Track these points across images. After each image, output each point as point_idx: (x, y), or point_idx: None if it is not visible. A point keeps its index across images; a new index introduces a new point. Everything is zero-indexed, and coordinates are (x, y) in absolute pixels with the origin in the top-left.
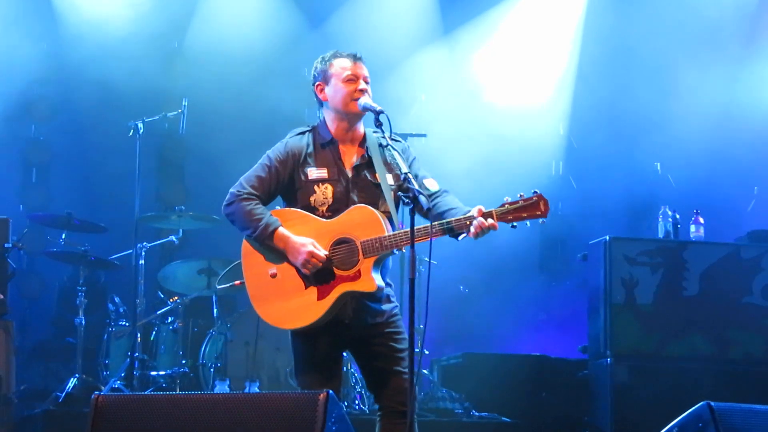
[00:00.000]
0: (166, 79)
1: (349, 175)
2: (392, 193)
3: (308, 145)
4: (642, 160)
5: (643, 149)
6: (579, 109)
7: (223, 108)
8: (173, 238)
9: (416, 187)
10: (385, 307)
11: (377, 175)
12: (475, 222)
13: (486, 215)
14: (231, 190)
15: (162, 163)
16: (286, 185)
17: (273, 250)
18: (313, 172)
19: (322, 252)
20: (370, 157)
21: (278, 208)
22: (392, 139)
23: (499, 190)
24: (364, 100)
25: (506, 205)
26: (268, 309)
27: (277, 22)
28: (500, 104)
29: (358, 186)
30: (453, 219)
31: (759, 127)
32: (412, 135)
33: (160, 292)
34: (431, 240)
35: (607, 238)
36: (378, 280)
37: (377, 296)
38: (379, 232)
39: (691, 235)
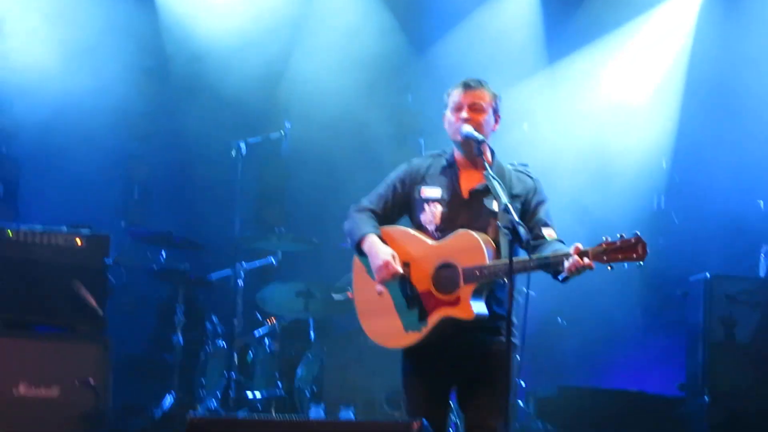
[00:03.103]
0: (270, 101)
1: (464, 198)
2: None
3: (430, 166)
4: (745, 197)
5: (746, 185)
6: (682, 143)
7: (327, 132)
8: (272, 259)
9: (516, 218)
10: (496, 338)
11: (495, 202)
12: (570, 259)
13: (582, 254)
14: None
15: (263, 184)
16: (405, 203)
17: None
18: (427, 191)
19: (399, 267)
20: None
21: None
22: (527, 175)
23: (602, 223)
24: (466, 128)
25: (603, 245)
26: (373, 326)
27: (381, 47)
28: (603, 136)
29: (471, 210)
30: (551, 253)
31: None
32: (513, 164)
33: (257, 313)
34: (529, 273)
35: (708, 275)
36: (477, 308)
37: (485, 326)
38: (479, 260)
39: None
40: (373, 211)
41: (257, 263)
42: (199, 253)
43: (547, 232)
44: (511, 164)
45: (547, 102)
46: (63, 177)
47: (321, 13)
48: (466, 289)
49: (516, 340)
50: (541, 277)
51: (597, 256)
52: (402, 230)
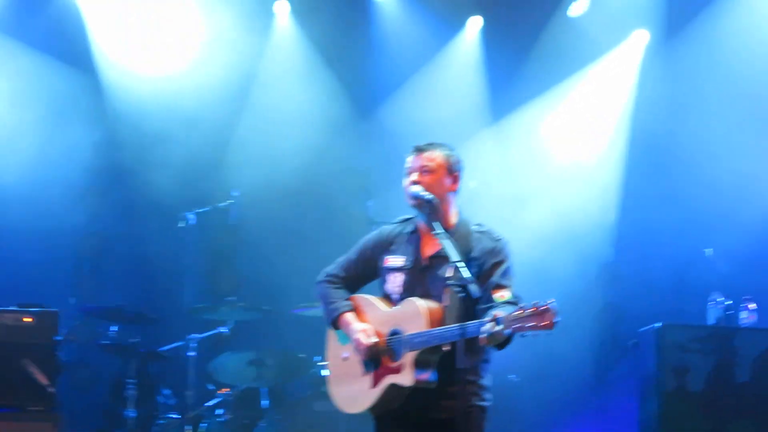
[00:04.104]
0: (218, 169)
1: (424, 264)
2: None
3: (400, 234)
4: (693, 246)
5: (694, 234)
6: (629, 196)
7: (275, 198)
8: (223, 329)
9: (467, 276)
10: (452, 403)
11: (449, 269)
12: (483, 327)
13: (496, 322)
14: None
15: (213, 253)
16: (373, 269)
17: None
18: (390, 260)
19: (371, 340)
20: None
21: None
22: (489, 237)
23: (551, 280)
24: (414, 188)
25: (517, 313)
26: (336, 390)
27: (327, 111)
28: (552, 191)
29: (430, 277)
30: (471, 323)
31: None
32: (479, 225)
33: (209, 384)
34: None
35: (659, 325)
36: (420, 374)
37: (439, 391)
38: (420, 328)
39: (742, 322)
40: (342, 278)
41: (208, 333)
42: (150, 326)
43: (498, 294)
44: (477, 225)
45: (495, 159)
46: (12, 255)
47: (266, 80)
48: (409, 356)
49: (486, 403)
50: None
51: (508, 324)
52: (365, 299)
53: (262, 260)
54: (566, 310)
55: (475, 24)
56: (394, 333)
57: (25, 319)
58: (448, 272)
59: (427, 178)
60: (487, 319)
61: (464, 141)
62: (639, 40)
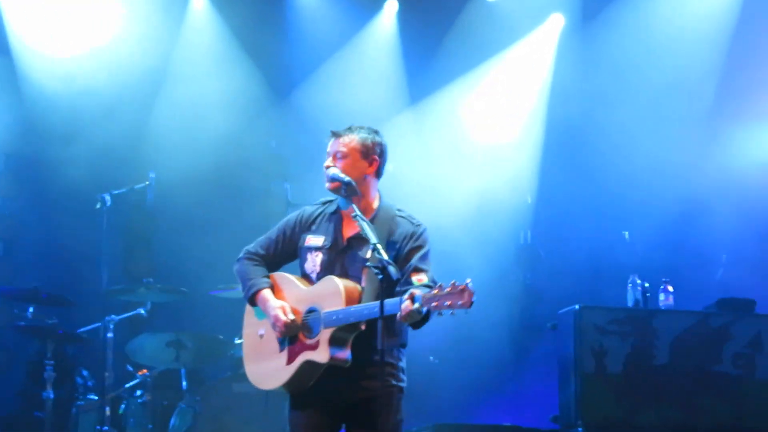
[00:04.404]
0: (133, 152)
1: (343, 245)
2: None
3: (321, 214)
4: (610, 229)
5: (611, 217)
6: (547, 178)
7: (192, 180)
8: (141, 310)
9: (385, 257)
10: (370, 383)
11: (369, 251)
12: (402, 305)
13: (413, 300)
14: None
15: (130, 235)
16: (292, 249)
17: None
18: (310, 240)
19: (288, 317)
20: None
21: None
22: (409, 221)
23: (469, 262)
24: (331, 170)
25: (435, 291)
26: (251, 367)
27: (244, 94)
28: (468, 173)
29: (349, 258)
30: (388, 300)
31: (727, 194)
32: (400, 210)
33: (128, 365)
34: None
35: (577, 307)
36: (335, 352)
37: (357, 372)
38: (337, 306)
39: (661, 304)
40: (262, 257)
41: (126, 315)
42: (68, 307)
43: (417, 278)
44: (399, 210)
45: (412, 142)
46: None
47: (182, 63)
48: (325, 333)
49: (403, 384)
50: None
51: (426, 302)
52: (284, 277)
53: (179, 242)
54: (485, 293)
55: (391, 7)
56: (311, 310)
57: None
58: (367, 254)
59: (341, 163)
60: (404, 296)
61: (382, 124)
62: (555, 25)
